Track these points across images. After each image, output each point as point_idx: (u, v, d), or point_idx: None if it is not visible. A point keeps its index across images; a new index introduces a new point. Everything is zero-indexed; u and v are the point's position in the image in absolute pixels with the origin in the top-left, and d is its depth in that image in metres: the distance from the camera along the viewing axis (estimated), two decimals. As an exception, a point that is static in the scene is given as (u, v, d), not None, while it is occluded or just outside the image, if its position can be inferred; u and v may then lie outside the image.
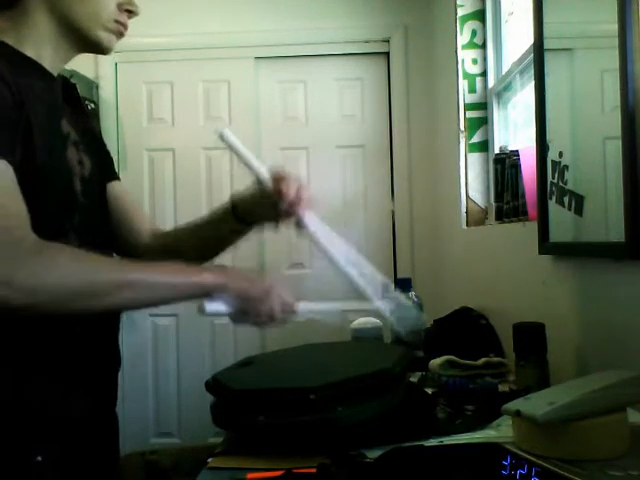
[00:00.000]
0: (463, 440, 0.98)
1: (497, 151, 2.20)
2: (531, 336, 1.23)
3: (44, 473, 0.89)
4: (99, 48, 1.01)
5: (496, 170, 1.99)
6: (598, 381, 0.88)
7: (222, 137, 1.05)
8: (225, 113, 3.20)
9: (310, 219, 1.12)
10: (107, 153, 1.17)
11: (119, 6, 0.99)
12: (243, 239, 1.22)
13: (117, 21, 0.99)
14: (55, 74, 1.00)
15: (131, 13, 1.01)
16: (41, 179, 0.89)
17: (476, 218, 2.48)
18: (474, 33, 2.48)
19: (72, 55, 1.02)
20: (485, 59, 2.46)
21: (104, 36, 0.99)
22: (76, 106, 1.05)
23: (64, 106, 1.01)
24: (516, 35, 2.24)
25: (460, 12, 2.49)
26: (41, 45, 0.96)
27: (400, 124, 3.16)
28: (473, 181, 2.50)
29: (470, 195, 2.50)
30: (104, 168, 1.11)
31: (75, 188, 0.96)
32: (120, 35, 1.01)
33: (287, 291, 1.03)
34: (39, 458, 0.88)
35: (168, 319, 3.16)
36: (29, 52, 0.95)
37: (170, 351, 3.16)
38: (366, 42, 3.18)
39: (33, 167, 0.87)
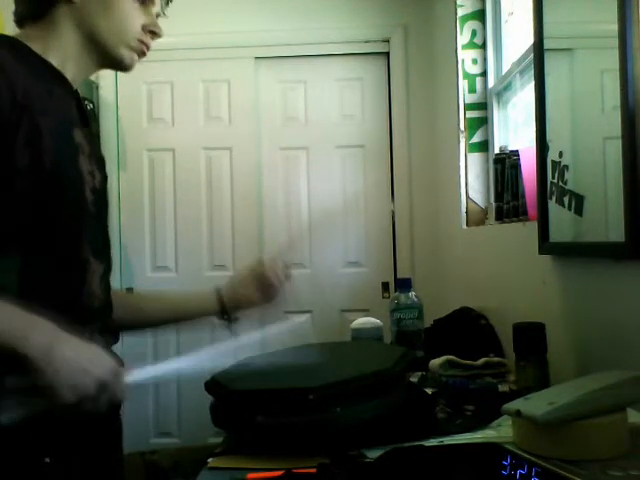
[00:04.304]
0: (463, 440, 0.98)
1: (497, 151, 2.20)
2: (531, 336, 1.23)
3: (53, 474, 0.89)
4: (120, 65, 1.03)
5: (496, 170, 1.99)
6: (598, 381, 0.88)
7: None
8: (225, 113, 3.20)
9: None
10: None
11: (144, 27, 1.02)
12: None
13: (140, 41, 1.02)
14: (75, 87, 1.02)
15: (155, 35, 1.04)
16: (51, 183, 0.90)
17: (476, 218, 2.48)
18: (474, 33, 2.48)
19: (93, 70, 1.05)
20: (485, 59, 2.46)
21: (127, 54, 1.02)
22: (79, 110, 1.05)
23: (79, 120, 1.02)
24: (516, 35, 2.24)
25: (460, 12, 2.49)
26: (65, 56, 0.99)
27: (400, 124, 3.16)
28: (473, 181, 2.50)
29: (470, 195, 2.50)
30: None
31: (86, 196, 0.97)
32: (142, 54, 1.04)
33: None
34: (48, 459, 0.88)
35: (168, 319, 3.16)
36: (53, 61, 0.97)
37: (170, 351, 3.15)
38: (366, 42, 3.18)
39: (43, 171, 0.88)
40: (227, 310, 1.24)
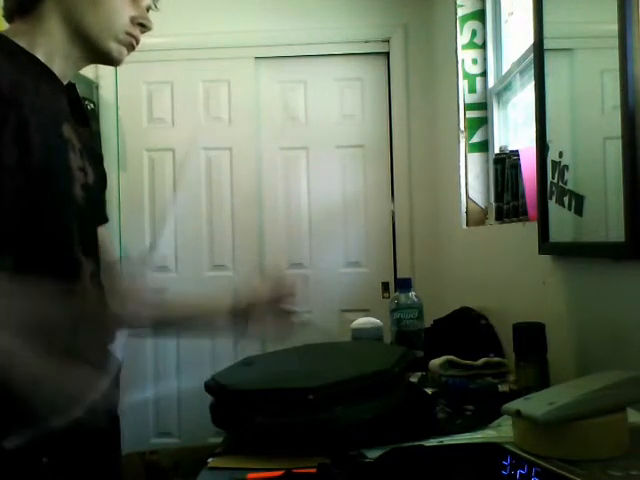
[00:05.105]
0: (463, 440, 0.98)
1: (497, 151, 2.20)
2: (531, 336, 1.23)
3: (51, 474, 0.89)
4: (109, 59, 1.02)
5: (496, 170, 1.99)
6: (598, 381, 0.88)
7: None
8: (225, 113, 3.20)
9: None
10: (105, 185, 1.14)
11: (133, 20, 1.01)
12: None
13: (129, 33, 1.01)
14: (64, 82, 1.01)
15: (144, 27, 1.03)
16: (40, 180, 0.89)
17: (476, 218, 2.48)
18: (474, 33, 2.48)
19: (83, 64, 1.04)
20: (485, 59, 2.46)
21: (114, 47, 1.00)
22: (77, 110, 1.05)
23: (69, 115, 1.01)
24: (516, 35, 2.24)
25: (460, 12, 2.49)
26: (52, 51, 0.98)
27: (400, 124, 3.16)
28: (473, 181, 2.50)
29: (470, 195, 2.50)
30: (103, 194, 1.11)
31: (75, 192, 0.96)
32: (131, 48, 1.03)
33: None
34: (45, 459, 0.88)
35: (168, 319, 3.16)
36: (40, 56, 0.96)
37: (170, 351, 3.16)
38: (366, 42, 3.18)
39: (30, 167, 0.87)
40: (238, 317, 1.22)
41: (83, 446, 0.94)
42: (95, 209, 1.04)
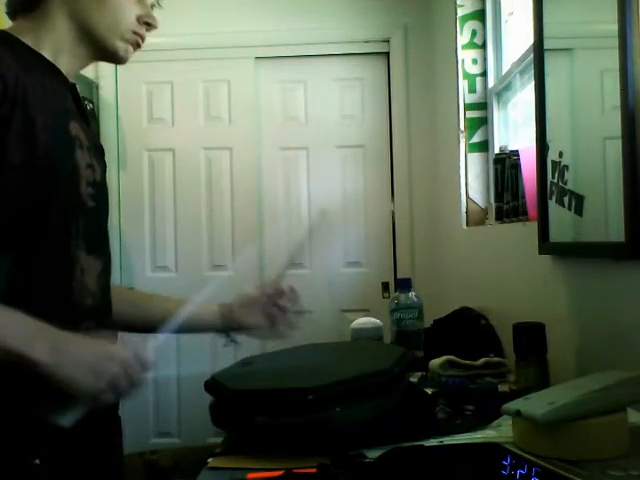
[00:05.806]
0: (463, 440, 0.98)
1: (497, 151, 2.20)
2: (531, 336, 1.23)
3: (42, 476, 0.88)
4: (115, 57, 1.02)
5: (496, 170, 1.99)
6: (598, 381, 0.88)
7: None
8: (225, 113, 3.20)
9: None
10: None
11: (139, 18, 1.01)
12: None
13: (135, 32, 1.01)
14: (70, 79, 1.01)
15: (150, 26, 1.03)
16: (45, 179, 0.88)
17: (476, 218, 2.48)
18: (474, 33, 2.48)
19: (88, 62, 1.04)
20: (485, 59, 2.46)
21: (121, 46, 1.01)
22: (79, 108, 1.05)
23: (76, 113, 1.01)
24: (516, 35, 2.24)
25: (460, 12, 2.49)
26: (58, 49, 0.98)
27: (400, 124, 3.16)
28: (473, 181, 2.50)
29: (470, 195, 2.50)
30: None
31: (81, 190, 0.95)
32: (137, 46, 1.03)
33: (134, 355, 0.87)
34: (37, 461, 0.87)
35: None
36: (46, 54, 0.96)
37: (170, 351, 3.15)
38: (366, 42, 3.18)
39: (36, 166, 0.87)
40: (228, 330, 1.24)
41: (80, 446, 0.93)
42: (104, 206, 1.04)
